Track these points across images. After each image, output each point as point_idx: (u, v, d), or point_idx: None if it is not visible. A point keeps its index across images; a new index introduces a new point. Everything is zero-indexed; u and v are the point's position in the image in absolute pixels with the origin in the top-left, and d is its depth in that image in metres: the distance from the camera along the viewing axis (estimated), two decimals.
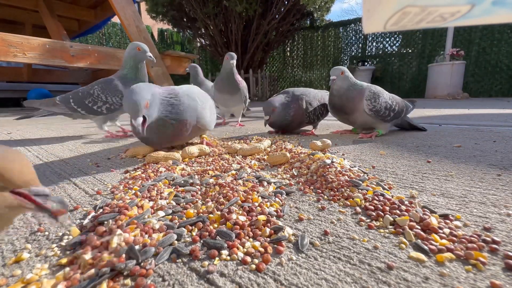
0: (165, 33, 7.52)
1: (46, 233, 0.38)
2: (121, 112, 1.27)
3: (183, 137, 0.84)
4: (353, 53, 6.23)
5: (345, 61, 6.35)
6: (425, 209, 0.42)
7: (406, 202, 0.43)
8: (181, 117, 0.77)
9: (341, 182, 0.52)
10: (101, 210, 0.43)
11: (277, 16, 4.91)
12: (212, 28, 5.01)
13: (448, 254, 0.30)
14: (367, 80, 5.10)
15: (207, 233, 0.36)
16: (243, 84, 1.54)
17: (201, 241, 0.35)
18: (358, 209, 0.43)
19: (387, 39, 5.77)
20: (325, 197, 0.48)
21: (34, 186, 0.24)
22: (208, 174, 0.62)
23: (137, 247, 0.32)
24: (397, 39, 5.66)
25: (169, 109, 0.75)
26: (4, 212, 0.23)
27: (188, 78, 2.03)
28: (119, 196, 0.49)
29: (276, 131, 1.28)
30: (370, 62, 5.95)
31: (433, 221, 0.37)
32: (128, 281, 0.28)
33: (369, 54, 6.01)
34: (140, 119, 0.65)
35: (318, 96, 1.25)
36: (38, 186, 0.24)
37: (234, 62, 1.45)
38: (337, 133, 1.21)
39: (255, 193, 0.48)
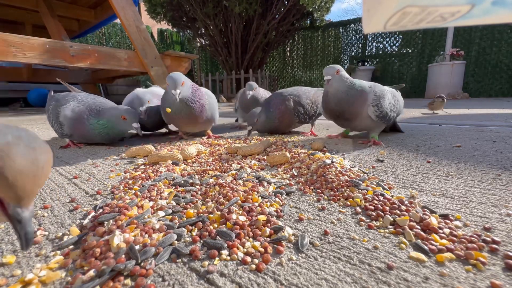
0: (165, 33, 7.53)
1: (46, 233, 0.38)
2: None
3: (198, 123, 1.07)
4: (353, 53, 6.23)
5: (345, 61, 6.35)
6: (425, 209, 0.42)
7: (406, 202, 0.43)
8: (202, 104, 1.04)
9: (341, 182, 0.52)
10: (101, 210, 0.43)
11: (277, 16, 4.91)
12: (212, 28, 5.01)
13: (448, 254, 0.30)
14: (367, 80, 5.09)
15: (207, 233, 0.36)
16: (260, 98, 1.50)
17: (201, 241, 0.35)
18: (358, 209, 0.43)
19: (387, 39, 5.77)
20: (325, 197, 0.48)
21: (22, 208, 0.21)
22: (208, 174, 0.62)
23: (137, 247, 0.32)
24: (397, 39, 5.66)
25: (195, 96, 1.02)
26: None
27: (188, 78, 2.02)
28: (119, 196, 0.49)
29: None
30: (370, 62, 5.95)
31: (433, 221, 0.37)
32: (128, 281, 0.28)
33: (369, 54, 6.01)
34: (178, 91, 0.93)
35: (309, 94, 1.22)
36: (24, 209, 0.21)
37: (251, 93, 1.40)
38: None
39: (255, 193, 0.48)
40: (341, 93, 0.94)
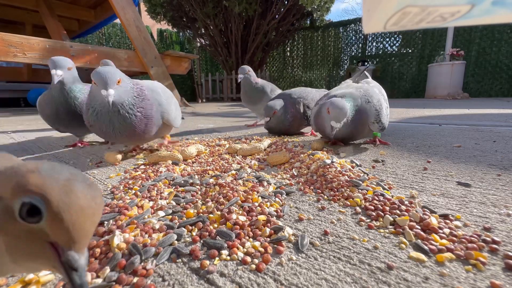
0: (165, 33, 7.52)
1: None
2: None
3: (140, 140, 0.76)
4: (353, 53, 6.23)
5: (345, 61, 6.35)
6: (425, 209, 0.42)
7: (406, 202, 0.43)
8: (148, 116, 0.70)
9: (341, 182, 0.52)
10: None
11: (277, 16, 4.91)
12: (212, 28, 5.02)
13: (448, 254, 0.30)
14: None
15: (207, 233, 0.36)
16: (263, 88, 1.51)
17: (201, 241, 0.35)
18: (358, 209, 0.43)
19: (387, 39, 5.77)
20: (325, 197, 0.48)
21: (75, 250, 0.18)
22: (208, 174, 0.62)
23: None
24: (397, 39, 5.66)
25: (136, 99, 0.68)
26: (38, 262, 0.19)
27: (187, 78, 2.03)
28: (119, 196, 0.49)
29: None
30: (370, 62, 5.95)
31: (433, 221, 0.37)
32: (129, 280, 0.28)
33: (369, 54, 6.01)
34: (112, 91, 0.62)
35: (316, 97, 1.23)
36: (77, 254, 0.18)
37: (241, 76, 1.46)
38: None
39: (255, 193, 0.48)
40: (346, 127, 0.82)
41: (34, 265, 0.19)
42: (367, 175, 0.59)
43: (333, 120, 0.78)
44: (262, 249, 0.32)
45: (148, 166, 0.70)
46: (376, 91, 0.92)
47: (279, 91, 1.52)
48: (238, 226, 0.37)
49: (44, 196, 0.17)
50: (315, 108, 0.96)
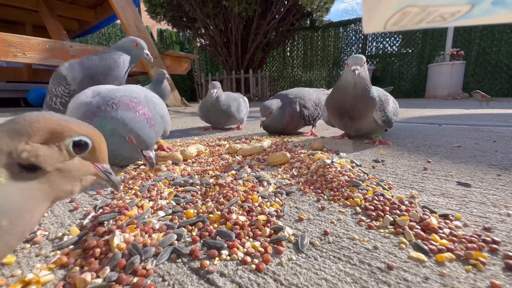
0: (164, 34, 7.52)
1: (46, 233, 0.38)
2: None
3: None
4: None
5: (345, 61, 6.35)
6: (425, 209, 0.42)
7: (406, 202, 0.43)
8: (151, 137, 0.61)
9: (341, 182, 0.52)
10: (101, 210, 0.43)
11: (277, 16, 4.91)
12: (212, 28, 5.01)
13: (448, 254, 0.30)
14: None
15: (207, 233, 0.36)
16: (229, 109, 1.37)
17: (201, 241, 0.35)
18: (358, 209, 0.43)
19: (387, 39, 5.76)
20: (325, 197, 0.48)
21: (105, 164, 0.32)
22: (208, 174, 0.62)
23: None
24: (397, 39, 5.65)
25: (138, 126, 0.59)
26: (85, 177, 0.30)
27: (187, 78, 2.03)
28: (119, 196, 0.49)
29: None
30: (370, 62, 5.95)
31: (433, 221, 0.37)
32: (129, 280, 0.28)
33: (369, 54, 6.00)
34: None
35: (313, 97, 1.23)
36: (107, 165, 0.32)
37: (215, 91, 1.31)
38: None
39: (255, 193, 0.48)
40: (360, 90, 0.88)
41: (87, 180, 0.30)
42: (367, 175, 0.59)
43: (353, 65, 0.86)
44: (262, 249, 0.32)
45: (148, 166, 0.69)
46: (389, 95, 0.97)
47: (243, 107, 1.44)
48: (238, 226, 0.37)
49: (90, 135, 0.28)
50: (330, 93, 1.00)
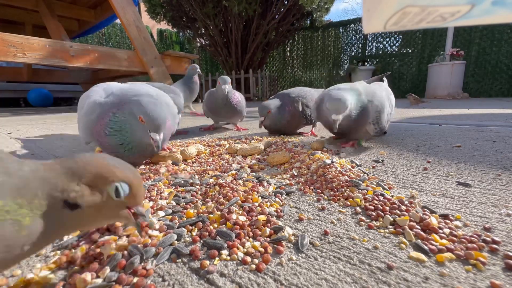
0: (164, 34, 7.52)
1: None
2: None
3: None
4: (353, 53, 6.22)
5: (345, 61, 6.35)
6: (425, 209, 0.42)
7: (406, 202, 0.43)
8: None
9: (341, 182, 0.52)
10: None
11: (277, 16, 4.91)
12: (212, 28, 5.01)
13: (448, 254, 0.30)
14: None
15: (207, 233, 0.36)
16: (240, 105, 1.37)
17: (201, 241, 0.35)
18: (358, 209, 0.43)
19: (387, 39, 5.76)
20: (325, 197, 0.48)
21: (139, 207, 0.30)
22: (208, 174, 0.62)
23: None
24: (397, 39, 5.65)
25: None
26: (117, 220, 0.29)
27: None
28: None
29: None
30: (370, 62, 5.95)
31: (433, 221, 0.37)
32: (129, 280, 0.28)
33: (369, 54, 6.00)
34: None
35: (314, 96, 1.22)
36: (141, 207, 0.30)
37: (227, 86, 1.27)
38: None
39: (255, 193, 0.48)
40: (348, 121, 0.81)
41: (116, 219, 0.30)
42: (367, 175, 0.59)
43: (333, 113, 0.77)
44: (262, 249, 0.32)
45: (148, 166, 0.70)
46: (383, 94, 0.90)
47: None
48: (238, 226, 0.37)
49: (130, 180, 0.28)
50: (317, 99, 0.96)
